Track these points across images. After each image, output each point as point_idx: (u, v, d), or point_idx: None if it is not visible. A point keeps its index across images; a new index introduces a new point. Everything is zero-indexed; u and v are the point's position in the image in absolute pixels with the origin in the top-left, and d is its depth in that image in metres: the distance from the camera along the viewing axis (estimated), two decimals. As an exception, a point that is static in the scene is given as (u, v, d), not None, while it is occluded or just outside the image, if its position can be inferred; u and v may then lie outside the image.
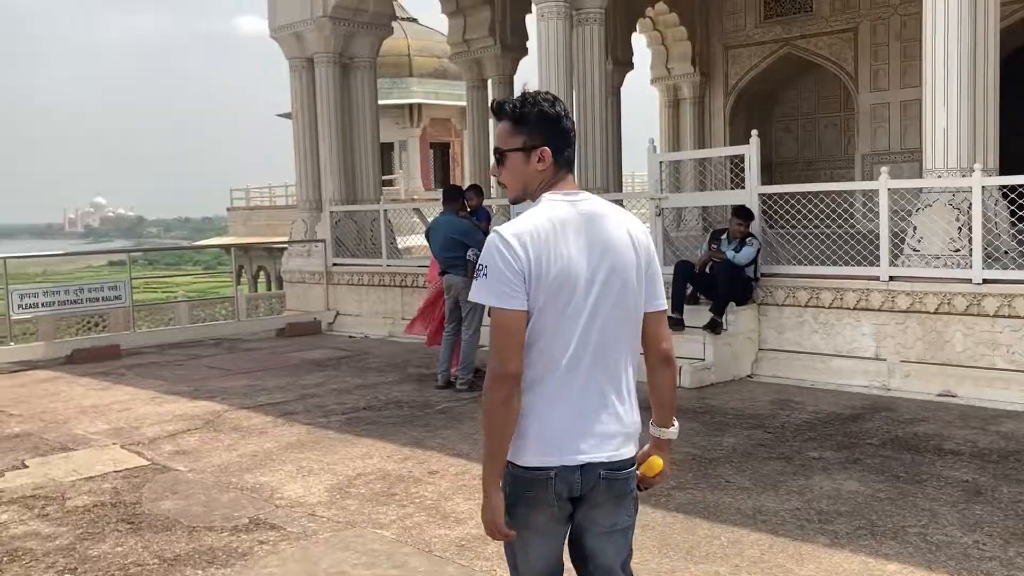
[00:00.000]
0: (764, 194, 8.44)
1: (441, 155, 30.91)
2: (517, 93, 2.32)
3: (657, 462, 2.37)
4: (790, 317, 8.16)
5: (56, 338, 12.49)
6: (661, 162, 9.11)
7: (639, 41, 18.50)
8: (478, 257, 2.23)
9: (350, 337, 12.02)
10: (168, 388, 8.43)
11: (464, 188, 8.73)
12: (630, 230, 2.24)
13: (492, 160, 2.34)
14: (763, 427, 6.36)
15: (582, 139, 10.33)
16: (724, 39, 18.69)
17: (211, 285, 49.01)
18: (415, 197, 25.12)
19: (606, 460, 2.20)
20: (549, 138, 2.23)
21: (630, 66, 17.35)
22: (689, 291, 8.38)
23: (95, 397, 8.08)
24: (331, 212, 13.02)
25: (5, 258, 9.90)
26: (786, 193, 8.47)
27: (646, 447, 2.39)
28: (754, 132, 8.48)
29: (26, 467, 5.75)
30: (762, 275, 8.30)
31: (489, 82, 15.98)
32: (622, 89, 17.29)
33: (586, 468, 2.18)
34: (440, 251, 8.06)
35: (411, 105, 29.66)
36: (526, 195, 2.29)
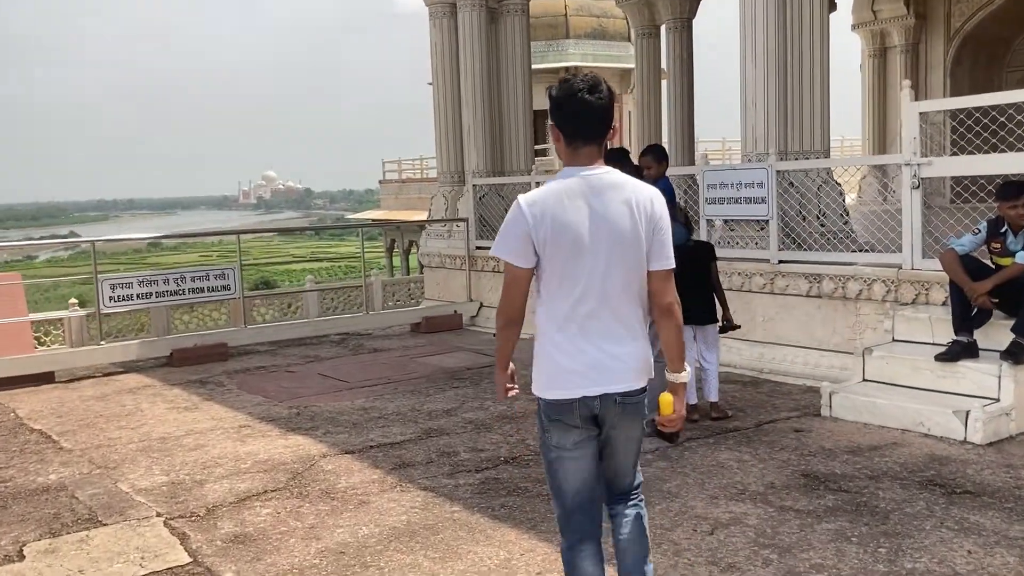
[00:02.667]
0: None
1: (598, 122, 28.68)
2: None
3: (667, 398, 2.75)
4: None
5: (169, 332, 11.08)
6: (922, 113, 6.54)
7: (839, -21, 15.54)
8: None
9: (494, 335, 10.04)
10: (263, 411, 6.68)
11: (645, 149, 6.46)
12: (632, 201, 2.63)
13: None
14: None
15: (794, 94, 7.79)
16: (947, -28, 15.44)
17: (369, 257, 48.54)
18: (570, 168, 22.89)
19: (622, 391, 2.68)
20: (554, 117, 2.69)
21: (832, 7, 14.46)
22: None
23: (172, 423, 6.41)
24: (475, 186, 11.05)
25: (94, 241, 8.48)
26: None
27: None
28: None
29: (21, 558, 4.03)
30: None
31: (663, 28, 13.49)
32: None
33: (604, 397, 2.67)
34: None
35: (566, 69, 27.58)
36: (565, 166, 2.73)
